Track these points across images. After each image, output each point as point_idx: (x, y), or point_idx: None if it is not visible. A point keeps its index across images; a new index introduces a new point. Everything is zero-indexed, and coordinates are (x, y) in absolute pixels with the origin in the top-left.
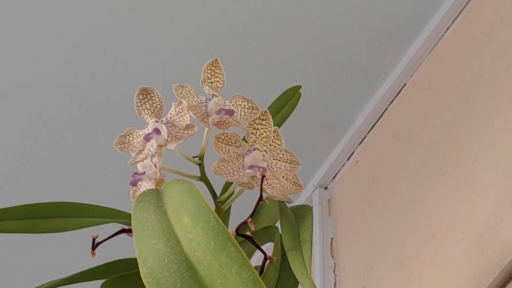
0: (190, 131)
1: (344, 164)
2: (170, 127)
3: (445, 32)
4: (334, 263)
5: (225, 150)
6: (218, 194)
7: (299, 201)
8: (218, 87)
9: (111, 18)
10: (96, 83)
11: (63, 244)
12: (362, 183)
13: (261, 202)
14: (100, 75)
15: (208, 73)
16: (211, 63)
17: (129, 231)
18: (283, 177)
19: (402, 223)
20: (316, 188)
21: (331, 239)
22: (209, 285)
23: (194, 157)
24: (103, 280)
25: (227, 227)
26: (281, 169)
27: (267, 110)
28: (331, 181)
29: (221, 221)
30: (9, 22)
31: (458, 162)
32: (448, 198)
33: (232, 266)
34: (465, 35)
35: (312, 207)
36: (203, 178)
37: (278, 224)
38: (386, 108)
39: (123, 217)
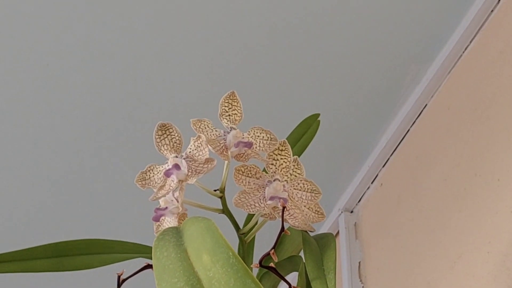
0: (210, 165)
1: (368, 187)
2: (190, 161)
3: (463, 52)
4: (363, 287)
5: (246, 182)
6: (241, 226)
7: (325, 225)
8: (236, 119)
9: (130, 53)
10: (118, 118)
11: (90, 281)
12: (387, 206)
13: (283, 233)
14: (122, 111)
15: (225, 106)
16: (228, 96)
17: None
18: (304, 206)
19: (428, 245)
20: (342, 212)
21: (359, 262)
22: None
23: (215, 190)
24: None
25: (251, 258)
26: (302, 198)
27: (286, 141)
28: (357, 204)
29: (240, 258)
30: (31, 61)
31: (481, 182)
32: (473, 219)
33: None
34: (483, 54)
35: (334, 235)
36: (225, 210)
37: (302, 253)
38: (408, 130)
39: (148, 251)
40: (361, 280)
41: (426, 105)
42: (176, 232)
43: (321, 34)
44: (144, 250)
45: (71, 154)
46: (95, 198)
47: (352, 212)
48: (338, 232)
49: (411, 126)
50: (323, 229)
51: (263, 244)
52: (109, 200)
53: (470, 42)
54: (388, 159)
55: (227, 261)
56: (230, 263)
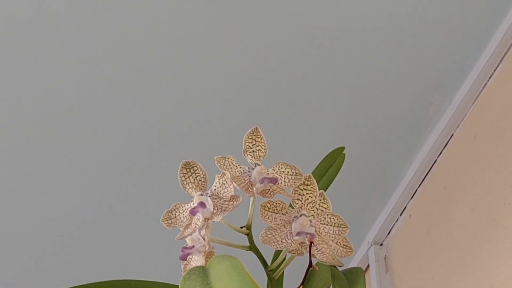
0: (235, 202)
1: (397, 219)
2: (215, 199)
3: (488, 81)
4: None
5: (272, 218)
6: (269, 263)
7: (355, 259)
8: (260, 155)
9: (151, 91)
10: (142, 156)
11: None
12: (417, 238)
13: (311, 268)
14: (146, 149)
15: (249, 142)
16: (251, 132)
17: None
18: (332, 240)
19: (459, 276)
20: (371, 245)
21: None
22: None
23: (241, 227)
24: None
25: None
26: (330, 233)
27: (311, 175)
28: (386, 237)
29: None
30: (55, 103)
31: (511, 210)
32: (503, 248)
33: None
34: (509, 81)
35: (364, 269)
36: (252, 247)
37: None
38: (435, 161)
39: None
40: None
41: (452, 135)
42: (202, 271)
43: (343, 65)
44: None
45: (96, 194)
46: (122, 238)
47: (381, 245)
48: (368, 266)
49: (438, 157)
50: (353, 263)
51: (292, 280)
52: (136, 240)
53: (495, 70)
54: (416, 190)
55: None
56: None
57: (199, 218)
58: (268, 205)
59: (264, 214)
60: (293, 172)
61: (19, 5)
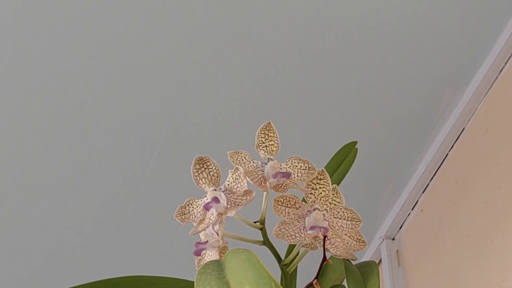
0: (248, 197)
1: (409, 214)
2: (229, 194)
3: (498, 74)
4: None
5: (285, 213)
6: (282, 257)
7: (367, 254)
8: (273, 150)
9: (164, 89)
10: (155, 153)
11: None
12: (428, 232)
13: (325, 262)
14: (158, 146)
15: (262, 137)
16: (264, 127)
17: None
18: (345, 234)
19: (471, 269)
20: (383, 240)
21: None
22: None
23: (255, 222)
24: None
25: None
26: (343, 227)
27: (324, 170)
28: (398, 231)
29: None
30: (66, 101)
31: None
32: None
33: None
34: None
35: (377, 262)
36: (266, 242)
37: (345, 282)
38: (447, 154)
39: (191, 286)
40: None
41: (463, 128)
42: (217, 265)
43: (355, 62)
44: (187, 285)
45: (109, 190)
46: (136, 235)
47: (393, 239)
48: (380, 260)
49: (449, 150)
50: (365, 257)
51: (305, 274)
52: (149, 236)
53: (505, 63)
54: (428, 184)
55: None
56: None
57: (212, 213)
58: (282, 200)
59: (278, 209)
60: (306, 167)
61: (29, 4)
